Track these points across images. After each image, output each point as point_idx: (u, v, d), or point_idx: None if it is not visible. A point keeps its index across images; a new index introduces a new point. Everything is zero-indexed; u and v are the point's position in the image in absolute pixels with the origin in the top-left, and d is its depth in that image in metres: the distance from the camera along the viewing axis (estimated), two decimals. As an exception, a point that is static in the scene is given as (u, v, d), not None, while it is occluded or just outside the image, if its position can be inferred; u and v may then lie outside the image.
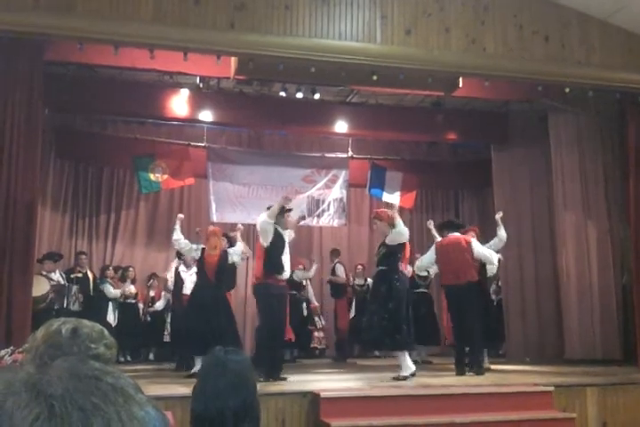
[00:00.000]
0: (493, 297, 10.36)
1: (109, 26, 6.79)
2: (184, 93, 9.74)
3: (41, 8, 6.69)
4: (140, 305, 10.84)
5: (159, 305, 10.56)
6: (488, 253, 8.13)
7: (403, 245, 7.56)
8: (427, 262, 8.52)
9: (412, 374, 7.11)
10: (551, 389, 6.48)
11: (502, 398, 6.34)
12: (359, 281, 11.20)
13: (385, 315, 7.17)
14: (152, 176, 10.81)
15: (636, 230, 8.62)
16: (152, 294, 10.94)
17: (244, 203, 11.09)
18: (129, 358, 10.46)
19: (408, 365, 7.17)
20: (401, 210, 12.32)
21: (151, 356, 10.79)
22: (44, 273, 9.04)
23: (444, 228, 8.49)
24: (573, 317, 9.27)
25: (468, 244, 8.04)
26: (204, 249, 8.23)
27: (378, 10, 7.58)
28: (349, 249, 12.38)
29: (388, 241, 7.45)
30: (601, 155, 9.54)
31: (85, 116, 10.86)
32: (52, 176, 10.68)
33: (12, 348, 5.46)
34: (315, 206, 11.68)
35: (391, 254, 7.46)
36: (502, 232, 8.52)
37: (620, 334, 9.09)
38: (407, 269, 8.38)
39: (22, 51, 7.20)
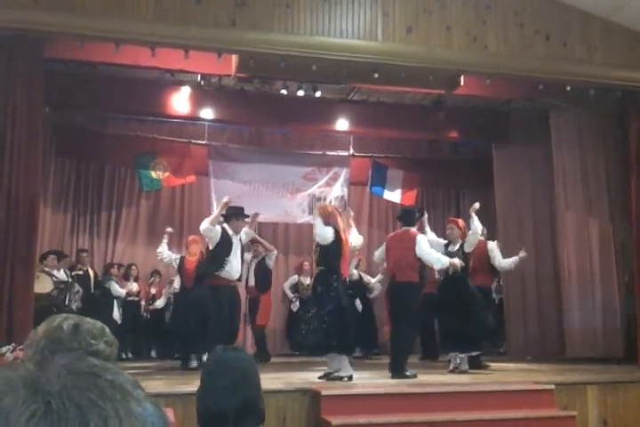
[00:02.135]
0: (494, 295, 10.34)
1: (110, 23, 6.80)
2: (185, 91, 9.74)
3: (42, 5, 6.70)
4: (142, 302, 10.87)
5: (160, 303, 10.58)
6: (427, 255, 7.34)
7: (338, 245, 7.00)
8: (377, 257, 8.13)
9: (350, 377, 6.85)
10: (552, 387, 6.47)
11: (503, 396, 6.33)
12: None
13: (324, 318, 6.88)
14: (153, 174, 10.83)
15: (638, 229, 8.61)
16: (153, 291, 10.96)
17: (244, 201, 11.07)
18: (130, 355, 10.48)
19: (347, 366, 6.91)
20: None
21: (153, 353, 10.81)
22: (47, 270, 9.04)
23: (398, 219, 8.01)
24: (574, 315, 9.26)
25: (414, 240, 7.37)
26: (183, 257, 8.79)
27: (379, 8, 7.58)
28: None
29: (318, 240, 7.09)
30: (603, 153, 9.53)
31: (86, 113, 10.85)
32: (52, 174, 10.68)
33: (13, 345, 5.49)
34: (316, 204, 11.67)
35: (326, 254, 7.02)
36: (474, 225, 7.97)
37: (621, 332, 9.08)
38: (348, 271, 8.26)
39: (23, 48, 7.21)
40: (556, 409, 6.36)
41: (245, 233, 8.03)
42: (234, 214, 7.86)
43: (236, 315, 7.58)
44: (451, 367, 7.90)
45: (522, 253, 8.70)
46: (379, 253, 8.03)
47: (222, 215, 7.90)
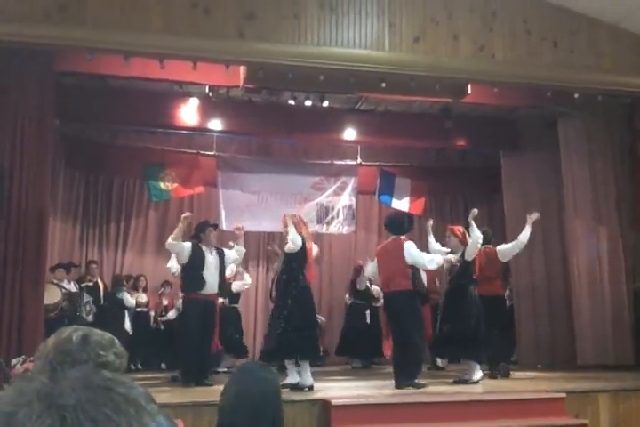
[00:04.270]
0: (507, 302, 10.27)
1: (120, 36, 6.84)
2: (193, 102, 9.77)
3: (52, 19, 6.74)
4: (151, 313, 10.87)
5: (172, 314, 10.57)
6: (419, 258, 7.25)
7: (304, 254, 7.10)
8: (370, 271, 8.02)
9: (310, 388, 6.81)
10: (563, 395, 6.44)
11: (514, 404, 6.30)
12: None
13: (280, 325, 6.92)
14: (162, 185, 10.87)
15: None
16: (165, 302, 10.95)
17: (253, 211, 11.11)
18: (140, 367, 10.47)
19: (307, 376, 6.88)
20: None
21: (163, 365, 10.80)
22: (56, 281, 9.08)
23: (385, 228, 7.82)
24: (585, 322, 9.22)
25: (402, 248, 7.27)
26: None
27: (386, 18, 7.61)
28: (358, 256, 12.33)
29: (285, 248, 7.15)
30: (611, 160, 9.51)
31: (96, 125, 10.90)
32: (62, 186, 10.72)
33: (23, 357, 5.50)
34: (324, 214, 11.69)
35: (290, 262, 7.11)
36: (474, 234, 7.75)
37: (632, 339, 9.03)
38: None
39: (33, 61, 7.27)
40: (567, 417, 6.33)
41: (237, 251, 8.03)
42: (199, 230, 7.86)
43: (212, 328, 7.58)
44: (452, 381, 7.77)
45: (534, 216, 8.35)
46: (371, 266, 7.93)
47: (191, 236, 7.96)
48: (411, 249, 7.28)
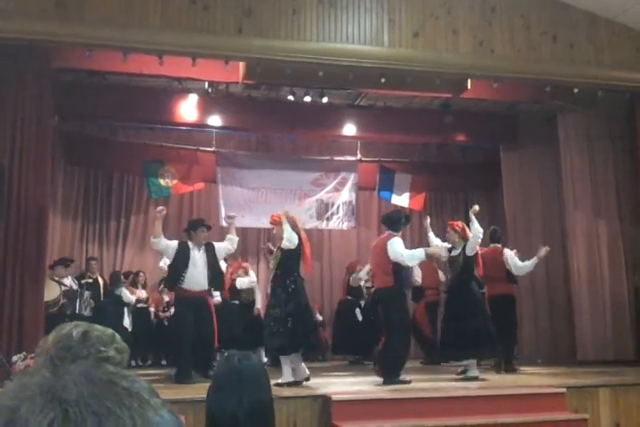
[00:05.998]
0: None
1: (118, 32, 6.84)
2: (193, 99, 9.77)
3: (49, 15, 6.74)
4: (151, 309, 10.86)
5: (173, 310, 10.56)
6: (400, 256, 7.07)
7: (301, 249, 7.15)
8: (364, 272, 8.08)
9: (289, 384, 6.71)
10: (563, 390, 6.45)
11: (514, 399, 6.31)
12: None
13: (287, 318, 6.91)
14: (162, 181, 10.86)
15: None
16: (166, 298, 10.93)
17: (253, 207, 11.10)
18: (140, 363, 10.48)
19: (285, 373, 6.84)
20: (410, 212, 12.41)
21: (163, 361, 10.80)
22: (56, 279, 9.07)
23: (383, 224, 7.81)
24: (585, 318, 9.22)
25: (385, 244, 7.20)
26: None
27: (385, 13, 7.60)
28: (358, 252, 12.34)
29: (282, 245, 7.16)
30: (611, 155, 9.51)
31: (95, 122, 10.90)
32: (62, 182, 10.72)
33: (24, 353, 5.51)
34: (324, 210, 11.67)
35: (288, 258, 7.13)
36: (474, 228, 7.69)
37: (632, 334, 9.04)
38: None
39: (31, 58, 7.26)
40: (567, 412, 6.34)
41: (229, 240, 7.96)
42: (190, 228, 7.83)
43: (207, 323, 7.54)
44: (459, 371, 7.81)
45: (542, 252, 8.44)
46: (366, 270, 7.99)
47: (184, 230, 7.96)
48: (394, 245, 7.16)
